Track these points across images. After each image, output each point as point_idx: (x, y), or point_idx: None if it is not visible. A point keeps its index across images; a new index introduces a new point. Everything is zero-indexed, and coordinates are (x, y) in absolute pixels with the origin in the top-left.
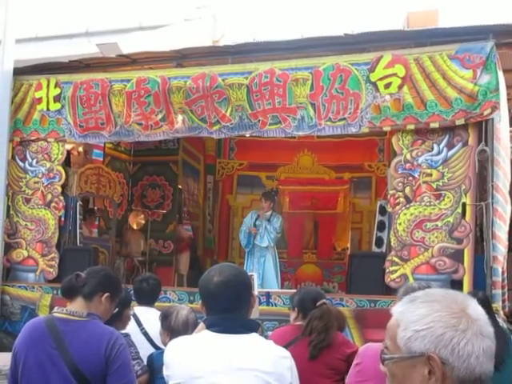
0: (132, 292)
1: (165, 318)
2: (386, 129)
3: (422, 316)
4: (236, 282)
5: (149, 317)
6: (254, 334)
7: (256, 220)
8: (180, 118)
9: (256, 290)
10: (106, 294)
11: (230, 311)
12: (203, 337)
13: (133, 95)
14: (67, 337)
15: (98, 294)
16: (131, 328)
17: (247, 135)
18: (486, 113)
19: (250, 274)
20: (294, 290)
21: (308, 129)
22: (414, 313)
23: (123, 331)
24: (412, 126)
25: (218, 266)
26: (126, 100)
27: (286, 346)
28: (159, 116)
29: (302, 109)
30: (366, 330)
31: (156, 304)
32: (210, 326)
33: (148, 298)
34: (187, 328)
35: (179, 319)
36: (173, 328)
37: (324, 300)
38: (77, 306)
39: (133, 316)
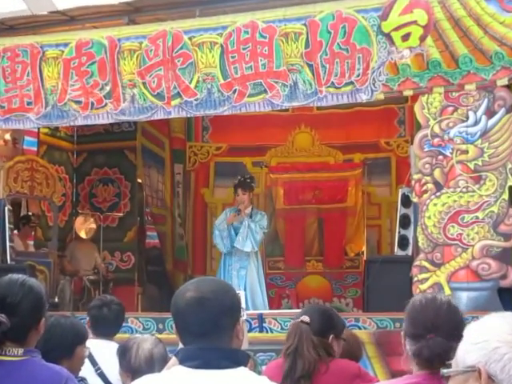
0: (88, 321)
1: (123, 354)
2: (407, 93)
3: (481, 329)
4: (213, 301)
5: (106, 353)
6: (242, 369)
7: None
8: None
9: (244, 314)
10: (42, 321)
11: (203, 338)
12: (174, 374)
13: (71, 63)
14: None
15: (33, 328)
16: (83, 368)
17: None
18: None
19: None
20: (296, 310)
21: (304, 98)
22: (475, 326)
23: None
24: (441, 89)
25: (198, 280)
26: (62, 70)
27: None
28: (104, 91)
29: (295, 72)
30: (390, 358)
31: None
32: (183, 360)
33: (109, 328)
34: (152, 365)
35: (140, 355)
36: (133, 367)
37: (302, 318)
38: (7, 345)
39: None
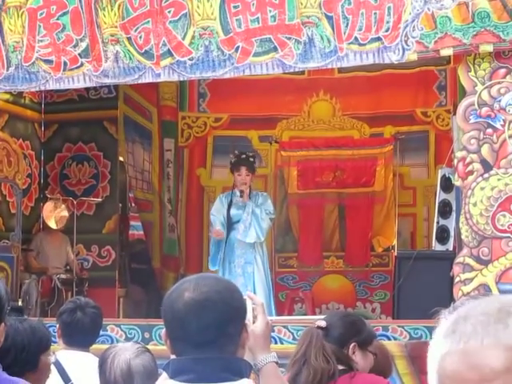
0: (58, 328)
1: (100, 366)
2: (446, 52)
3: None
4: (219, 303)
5: (81, 366)
6: (245, 381)
7: (230, 206)
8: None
9: (251, 319)
10: (1, 327)
11: (205, 347)
12: None
13: (38, 14)
14: None
15: None
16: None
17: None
18: None
19: None
20: (311, 317)
21: (322, 58)
22: None
23: None
24: (490, 47)
25: (196, 277)
26: (27, 23)
27: None
28: (79, 49)
29: (310, 26)
30: (425, 375)
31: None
32: (175, 374)
33: (84, 336)
34: (130, 381)
35: (115, 367)
36: (108, 381)
37: (317, 322)
38: None
39: (56, 366)
